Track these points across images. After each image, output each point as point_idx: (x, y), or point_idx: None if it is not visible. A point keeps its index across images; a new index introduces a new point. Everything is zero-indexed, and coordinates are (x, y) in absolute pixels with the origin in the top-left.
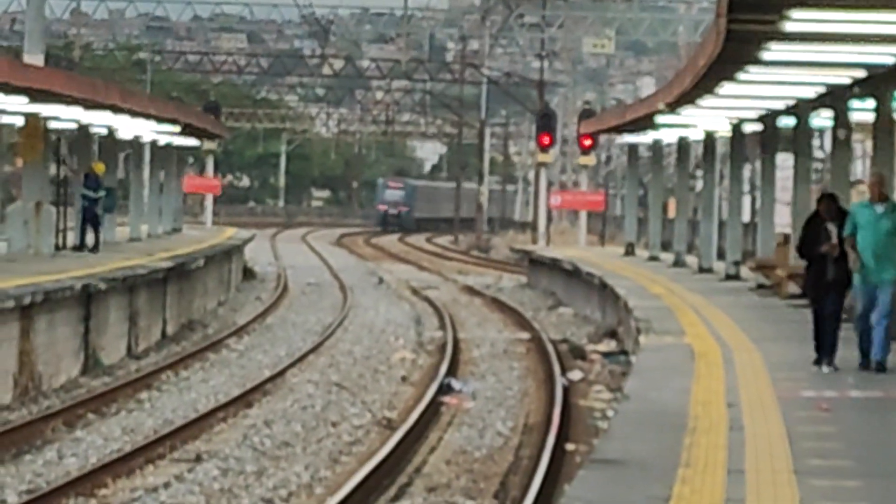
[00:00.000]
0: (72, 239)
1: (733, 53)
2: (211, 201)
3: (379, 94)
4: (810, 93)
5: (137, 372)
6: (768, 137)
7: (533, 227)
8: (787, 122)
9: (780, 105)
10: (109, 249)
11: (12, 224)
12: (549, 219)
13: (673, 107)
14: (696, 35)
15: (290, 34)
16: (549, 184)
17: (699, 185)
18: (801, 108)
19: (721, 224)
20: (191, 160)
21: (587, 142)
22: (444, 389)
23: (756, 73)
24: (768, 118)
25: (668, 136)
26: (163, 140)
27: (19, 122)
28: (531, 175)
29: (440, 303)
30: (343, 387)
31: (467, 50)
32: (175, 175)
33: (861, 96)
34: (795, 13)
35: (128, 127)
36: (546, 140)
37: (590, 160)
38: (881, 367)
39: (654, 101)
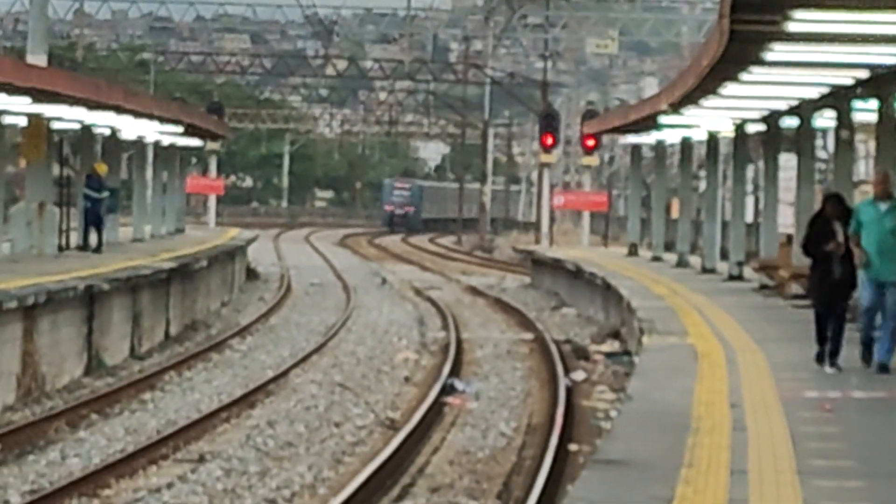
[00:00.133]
0: (75, 239)
1: (736, 54)
2: (214, 202)
3: (382, 95)
4: (813, 93)
5: (141, 372)
6: (771, 138)
7: (536, 227)
8: (791, 122)
9: (783, 105)
10: (112, 250)
11: (15, 224)
12: (553, 219)
13: (676, 107)
14: (700, 35)
15: (294, 35)
16: (553, 184)
17: (702, 185)
18: (804, 109)
19: (724, 224)
20: (194, 160)
21: (590, 142)
22: (448, 390)
23: (759, 73)
24: (771, 118)
25: (672, 137)
26: (166, 140)
27: (22, 122)
28: (534, 175)
29: (443, 303)
30: (346, 387)
31: (470, 50)
32: (178, 175)
33: (864, 97)
34: (798, 13)
35: (131, 127)
36: (549, 140)
37: (593, 161)
38: (885, 369)
39: (657, 101)
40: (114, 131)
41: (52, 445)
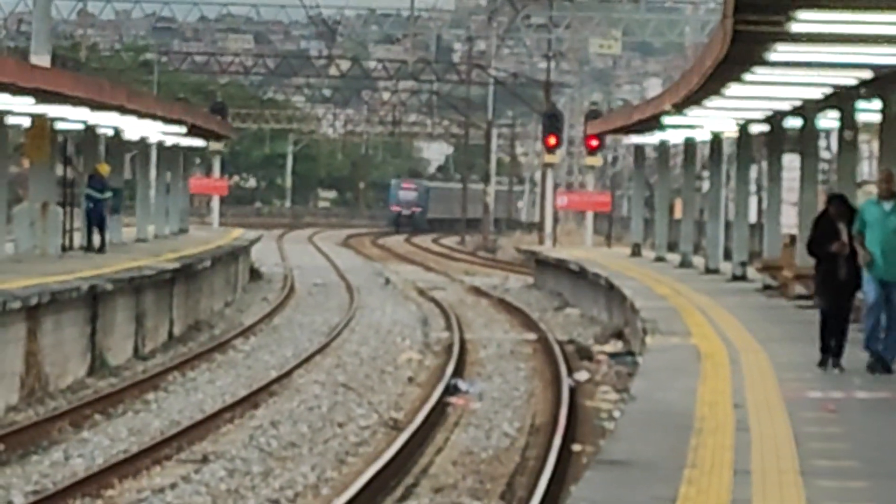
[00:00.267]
0: (78, 240)
1: (740, 54)
2: (217, 202)
3: (385, 95)
4: (817, 94)
5: (144, 373)
6: (775, 138)
7: (539, 227)
8: (794, 122)
9: (786, 106)
10: (116, 250)
11: (19, 225)
12: (556, 219)
13: (679, 108)
14: (703, 36)
15: (297, 35)
16: (556, 184)
17: (706, 185)
18: (807, 109)
19: (727, 225)
20: (197, 161)
21: (594, 142)
22: (451, 390)
23: (762, 73)
24: (775, 119)
25: (675, 137)
26: (169, 141)
27: (26, 122)
28: (538, 176)
29: (447, 303)
30: (349, 387)
31: (474, 51)
32: (182, 176)
33: (867, 97)
34: (802, 14)
35: (134, 128)
36: (553, 141)
37: (596, 161)
38: (888, 369)
39: (660, 101)
40: (117, 132)
41: (56, 446)
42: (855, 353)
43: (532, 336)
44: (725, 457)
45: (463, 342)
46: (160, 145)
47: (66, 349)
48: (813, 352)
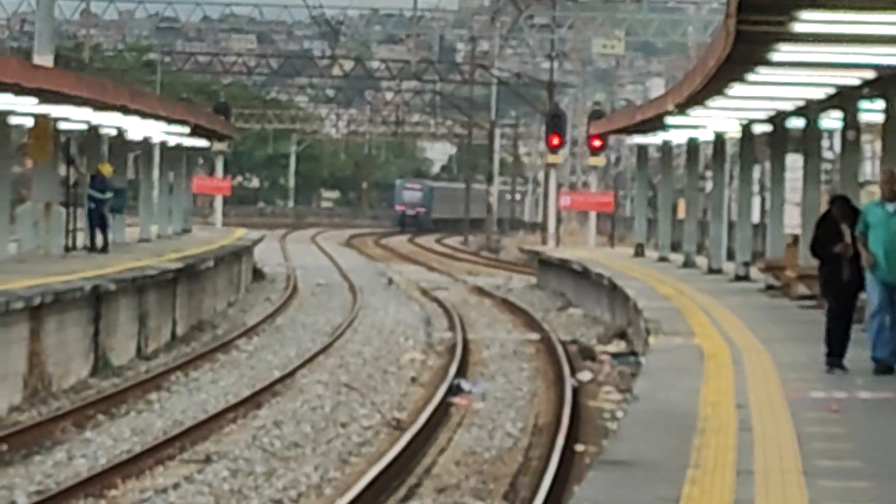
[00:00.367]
0: (82, 240)
1: (743, 54)
2: (220, 202)
3: (389, 95)
4: (820, 94)
5: (147, 373)
6: (778, 138)
7: (542, 227)
8: (797, 123)
9: (789, 106)
10: (119, 250)
11: (22, 225)
12: (559, 220)
13: (682, 108)
14: (706, 36)
15: (300, 35)
16: (559, 185)
17: (709, 186)
18: (810, 109)
19: (731, 225)
20: (200, 161)
21: (597, 143)
22: (454, 390)
23: (765, 74)
24: (778, 119)
25: (678, 137)
26: (172, 141)
27: (29, 122)
28: (541, 176)
29: (450, 303)
30: (352, 387)
31: (477, 51)
32: (185, 176)
33: (870, 97)
34: (805, 14)
35: (137, 128)
36: (556, 141)
37: (599, 161)
38: (890, 370)
39: (663, 102)
40: (120, 132)
41: (59, 446)
42: (858, 353)
43: (535, 336)
44: (728, 457)
45: (466, 342)
46: (163, 145)
47: (69, 349)
48: (816, 352)
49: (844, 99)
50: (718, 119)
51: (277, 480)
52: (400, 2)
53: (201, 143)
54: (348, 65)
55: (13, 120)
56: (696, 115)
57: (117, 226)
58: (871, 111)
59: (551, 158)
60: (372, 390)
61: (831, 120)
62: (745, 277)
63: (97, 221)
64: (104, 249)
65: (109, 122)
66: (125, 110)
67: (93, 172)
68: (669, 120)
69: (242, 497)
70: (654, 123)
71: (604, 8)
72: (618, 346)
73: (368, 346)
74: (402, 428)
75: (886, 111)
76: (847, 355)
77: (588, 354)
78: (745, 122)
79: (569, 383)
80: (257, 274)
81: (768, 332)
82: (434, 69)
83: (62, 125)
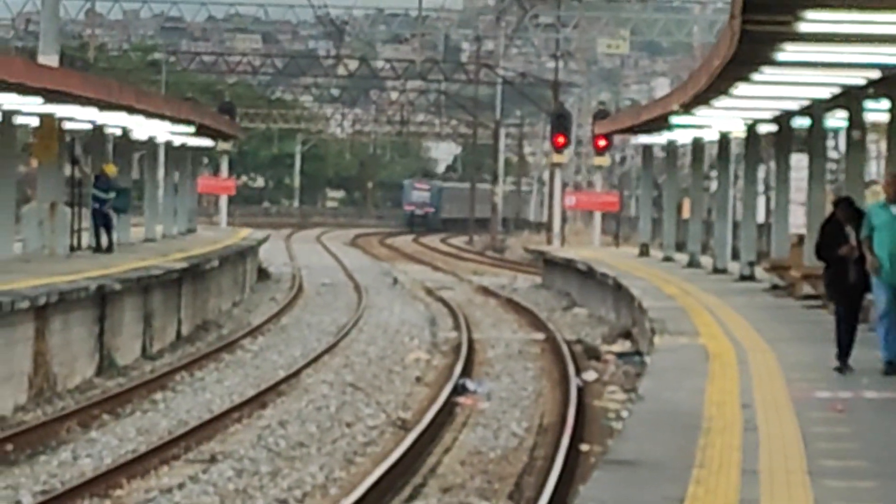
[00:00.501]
0: (87, 239)
1: (748, 54)
2: (225, 202)
3: (394, 95)
4: (825, 93)
5: (152, 372)
6: (783, 138)
7: (548, 227)
8: (802, 122)
9: (794, 106)
10: (124, 250)
11: (27, 224)
12: (564, 219)
13: (687, 107)
14: (711, 35)
15: (305, 35)
16: (564, 184)
17: (714, 185)
18: (815, 109)
19: (735, 225)
20: (205, 161)
21: (602, 142)
22: (459, 390)
23: (770, 73)
24: (783, 119)
25: (683, 137)
26: (177, 141)
27: (34, 122)
28: (546, 175)
29: (455, 303)
30: (358, 387)
31: (482, 50)
32: (190, 176)
33: (875, 97)
34: (810, 14)
35: (143, 128)
36: (561, 140)
37: (604, 161)
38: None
39: (668, 101)
40: (125, 131)
41: (64, 446)
42: (863, 352)
43: (540, 336)
44: (733, 457)
45: (471, 342)
46: (168, 145)
47: (75, 349)
48: (821, 351)
49: (850, 99)
50: (723, 119)
51: (282, 480)
52: (405, 2)
53: (206, 142)
54: (353, 64)
55: (18, 119)
56: (701, 114)
57: (122, 225)
58: (877, 111)
59: (556, 158)
60: (377, 390)
61: (836, 120)
62: (750, 277)
63: (101, 221)
64: (109, 249)
65: (115, 121)
66: (130, 110)
67: (97, 172)
68: (674, 120)
69: (247, 497)
70: (659, 123)
71: (609, 7)
72: (623, 345)
73: (374, 345)
74: (408, 428)
75: (892, 111)
76: (853, 355)
77: (593, 354)
78: (750, 121)
79: (574, 383)
80: (262, 274)
81: (773, 332)
82: (439, 69)
83: (67, 125)
